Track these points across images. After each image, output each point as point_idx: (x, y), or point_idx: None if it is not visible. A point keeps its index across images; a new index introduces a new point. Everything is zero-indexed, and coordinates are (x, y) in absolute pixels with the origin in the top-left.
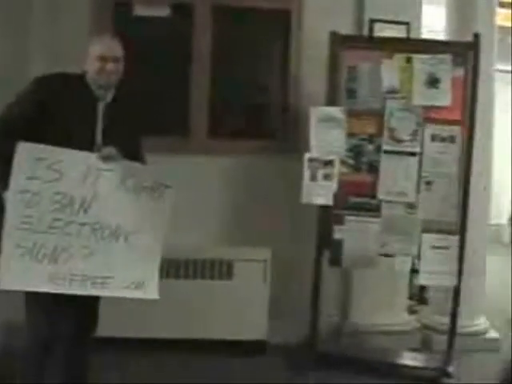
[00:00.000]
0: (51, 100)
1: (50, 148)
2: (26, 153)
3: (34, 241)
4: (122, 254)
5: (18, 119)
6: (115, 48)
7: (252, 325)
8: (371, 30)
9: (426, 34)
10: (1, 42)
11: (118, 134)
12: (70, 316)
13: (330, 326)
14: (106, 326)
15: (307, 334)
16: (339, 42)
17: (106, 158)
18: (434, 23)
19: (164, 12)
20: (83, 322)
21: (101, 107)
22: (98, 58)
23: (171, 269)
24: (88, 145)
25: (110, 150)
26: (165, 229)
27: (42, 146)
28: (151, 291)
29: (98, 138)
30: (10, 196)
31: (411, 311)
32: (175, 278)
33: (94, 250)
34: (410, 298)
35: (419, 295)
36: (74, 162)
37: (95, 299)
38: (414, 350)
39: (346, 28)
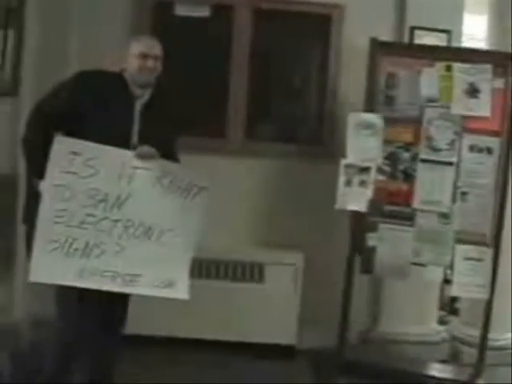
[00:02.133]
0: (88, 96)
1: (86, 143)
2: (62, 147)
3: (66, 235)
4: (153, 252)
5: (52, 110)
6: (155, 46)
7: (281, 329)
8: (411, 37)
9: (466, 43)
10: (42, 42)
11: (155, 132)
12: (98, 313)
13: (358, 334)
14: (135, 324)
15: (336, 341)
16: (379, 48)
17: (142, 157)
18: (475, 32)
19: (205, 12)
20: (112, 319)
21: (138, 105)
22: (138, 55)
23: (203, 269)
24: (124, 142)
25: (147, 149)
26: (198, 229)
27: (78, 141)
28: (182, 291)
29: (134, 136)
30: (44, 189)
31: (441, 322)
32: (206, 278)
33: (125, 248)
34: (441, 308)
35: (450, 306)
36: (110, 158)
37: (125, 297)
38: (443, 361)
39: (386, 35)
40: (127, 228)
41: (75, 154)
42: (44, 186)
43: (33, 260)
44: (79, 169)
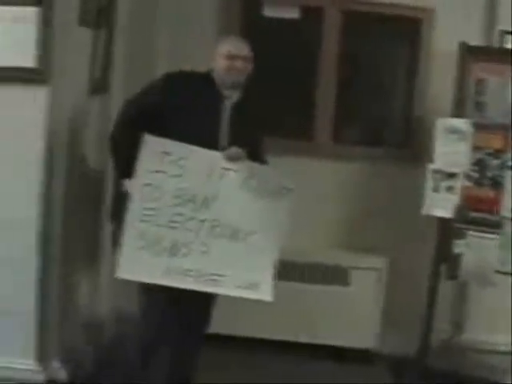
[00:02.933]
0: (176, 97)
1: (175, 143)
2: (152, 146)
3: (154, 234)
4: (239, 253)
5: (140, 110)
6: (244, 47)
7: (362, 333)
8: (502, 41)
9: None
10: (131, 41)
11: (243, 134)
12: (182, 311)
13: (441, 341)
14: (216, 323)
15: (417, 347)
16: (469, 53)
17: (231, 158)
18: None
19: (294, 14)
20: (196, 318)
21: (227, 106)
22: (226, 56)
23: (286, 271)
24: (212, 143)
25: (236, 150)
26: (283, 231)
27: (168, 141)
28: (266, 293)
29: (223, 137)
30: (133, 188)
31: None
32: (290, 280)
33: (211, 248)
34: None
35: None
36: (199, 159)
37: (210, 296)
38: None
39: (476, 39)
40: (214, 228)
41: (165, 153)
42: (133, 185)
43: (121, 257)
44: (168, 168)
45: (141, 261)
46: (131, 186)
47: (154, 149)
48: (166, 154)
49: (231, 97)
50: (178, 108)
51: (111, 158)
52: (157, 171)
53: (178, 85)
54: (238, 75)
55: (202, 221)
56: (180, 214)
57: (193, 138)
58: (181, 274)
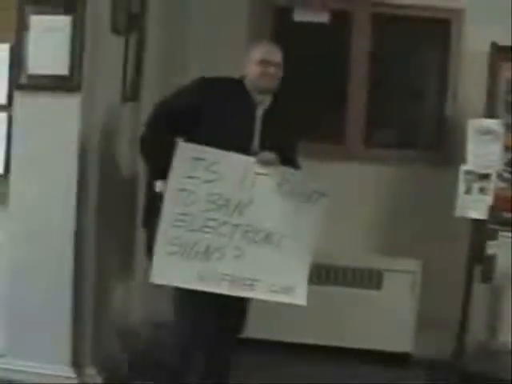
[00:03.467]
0: (209, 101)
1: (208, 149)
2: (185, 152)
3: (187, 239)
4: (272, 257)
5: (172, 112)
6: (276, 53)
7: (397, 336)
8: None
9: None
10: (162, 47)
11: (275, 139)
12: (217, 315)
13: (477, 344)
14: (252, 328)
15: (453, 350)
16: (500, 53)
17: (264, 163)
18: None
19: (324, 18)
20: (231, 322)
21: (259, 112)
22: (259, 62)
23: (320, 275)
24: (244, 148)
25: (268, 155)
26: (317, 235)
27: (201, 147)
28: (300, 297)
29: (255, 142)
30: (166, 193)
31: None
32: (324, 284)
33: (245, 252)
34: None
35: None
36: (231, 164)
37: (245, 300)
38: None
39: (506, 39)
40: (247, 233)
41: (198, 159)
42: (166, 191)
43: (154, 262)
44: (202, 174)
45: (174, 266)
46: (163, 189)
47: (186, 154)
48: (199, 159)
49: (263, 102)
50: (211, 112)
51: (142, 160)
52: (190, 177)
53: (211, 89)
54: (270, 81)
55: (236, 225)
56: (213, 219)
57: (225, 143)
58: (214, 279)
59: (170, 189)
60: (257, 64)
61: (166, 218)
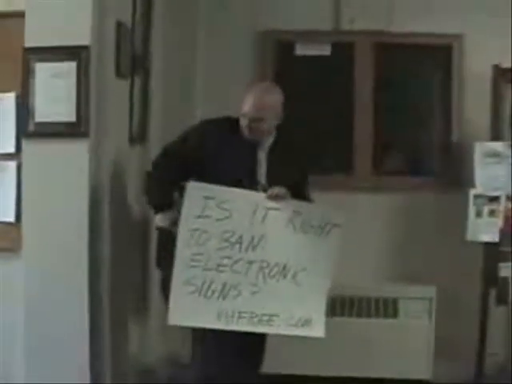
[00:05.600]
0: (212, 143)
1: (218, 187)
2: (195, 192)
3: (203, 278)
4: (289, 291)
5: (178, 155)
6: (259, 107)
7: (417, 363)
8: None
9: None
10: (168, 87)
11: (283, 174)
12: (236, 352)
13: (496, 366)
14: (273, 363)
15: (473, 374)
16: (502, 75)
17: (274, 197)
18: None
19: (325, 51)
20: (249, 358)
21: (261, 152)
22: (242, 114)
23: (336, 307)
24: (251, 185)
25: (279, 190)
26: (332, 266)
27: (210, 186)
28: (318, 329)
29: (262, 179)
30: (180, 234)
31: None
32: (340, 315)
33: (261, 288)
34: None
35: None
36: (242, 200)
37: (262, 335)
38: None
39: (508, 61)
40: (262, 268)
41: (209, 198)
42: (179, 232)
43: (171, 303)
44: (213, 212)
45: (191, 306)
46: (163, 222)
47: (197, 194)
48: (210, 198)
49: (262, 144)
50: (215, 154)
51: (146, 193)
52: (201, 216)
53: (213, 131)
54: (257, 135)
55: (250, 262)
56: (228, 257)
57: (230, 182)
58: (233, 317)
59: (183, 229)
60: (243, 117)
61: (180, 259)
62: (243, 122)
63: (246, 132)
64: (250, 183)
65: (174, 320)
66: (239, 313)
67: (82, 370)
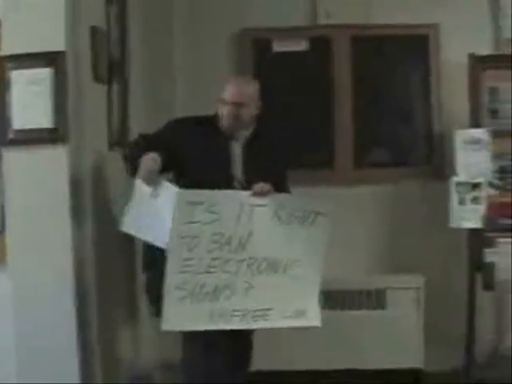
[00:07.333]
0: (182, 142)
1: (204, 192)
2: (183, 199)
3: (195, 282)
4: (281, 284)
5: (152, 146)
6: (240, 93)
7: (407, 353)
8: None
9: None
10: (147, 92)
11: (262, 168)
12: (225, 351)
13: (486, 352)
14: (262, 359)
15: (463, 361)
16: (478, 63)
17: (258, 194)
18: None
19: (302, 46)
20: (238, 356)
21: (237, 147)
22: (224, 102)
23: (325, 300)
24: (227, 183)
25: (262, 186)
26: (323, 255)
27: (197, 191)
28: (313, 318)
29: (238, 173)
30: (170, 242)
31: None
32: (329, 309)
33: (253, 284)
34: None
35: None
36: (228, 201)
37: (249, 332)
38: None
39: (484, 48)
40: (251, 265)
41: (196, 203)
42: (169, 239)
43: (164, 309)
44: (202, 217)
45: (185, 311)
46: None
47: (184, 201)
48: (199, 204)
49: (237, 138)
50: (186, 152)
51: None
52: (190, 222)
53: (185, 127)
54: (234, 121)
55: (240, 261)
56: (218, 258)
57: (204, 177)
58: (226, 316)
59: (172, 237)
60: (222, 104)
61: (171, 266)
62: (223, 111)
63: (225, 122)
64: (226, 178)
65: (167, 326)
66: (232, 312)
67: (71, 377)
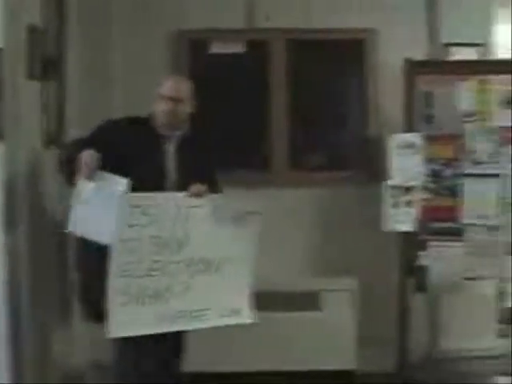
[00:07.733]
0: (114, 142)
1: (142, 194)
2: (124, 202)
3: (136, 286)
4: (216, 284)
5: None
6: (177, 88)
7: (340, 354)
8: (446, 54)
9: (502, 55)
10: (84, 91)
11: (194, 169)
12: (156, 352)
13: (419, 353)
14: (194, 361)
15: (396, 362)
16: (413, 68)
17: (194, 195)
18: (509, 43)
19: (239, 49)
20: (170, 357)
21: (168, 146)
22: (159, 97)
23: (259, 302)
24: (158, 184)
25: (198, 187)
26: (255, 253)
27: (136, 194)
28: (248, 316)
29: (171, 174)
30: (112, 245)
31: (501, 335)
32: (263, 310)
33: (190, 286)
34: (500, 321)
35: (510, 318)
36: (164, 204)
37: (180, 333)
38: (505, 374)
39: (420, 53)
40: (189, 266)
41: (134, 206)
42: (111, 244)
43: (109, 316)
44: (140, 219)
45: (129, 315)
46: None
47: (125, 204)
48: (136, 206)
49: (171, 136)
50: (119, 154)
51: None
52: (131, 225)
53: (115, 131)
54: (172, 117)
55: (178, 262)
56: (157, 261)
57: (138, 182)
58: (169, 318)
59: (114, 241)
60: (160, 100)
61: (113, 270)
62: (160, 106)
63: (162, 118)
64: (160, 178)
65: (113, 332)
66: (174, 313)
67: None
